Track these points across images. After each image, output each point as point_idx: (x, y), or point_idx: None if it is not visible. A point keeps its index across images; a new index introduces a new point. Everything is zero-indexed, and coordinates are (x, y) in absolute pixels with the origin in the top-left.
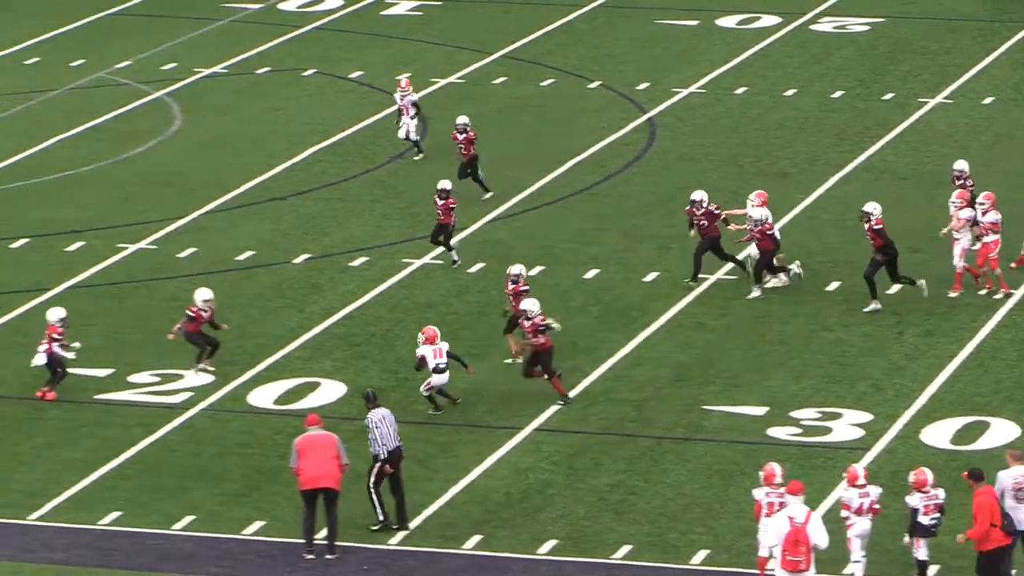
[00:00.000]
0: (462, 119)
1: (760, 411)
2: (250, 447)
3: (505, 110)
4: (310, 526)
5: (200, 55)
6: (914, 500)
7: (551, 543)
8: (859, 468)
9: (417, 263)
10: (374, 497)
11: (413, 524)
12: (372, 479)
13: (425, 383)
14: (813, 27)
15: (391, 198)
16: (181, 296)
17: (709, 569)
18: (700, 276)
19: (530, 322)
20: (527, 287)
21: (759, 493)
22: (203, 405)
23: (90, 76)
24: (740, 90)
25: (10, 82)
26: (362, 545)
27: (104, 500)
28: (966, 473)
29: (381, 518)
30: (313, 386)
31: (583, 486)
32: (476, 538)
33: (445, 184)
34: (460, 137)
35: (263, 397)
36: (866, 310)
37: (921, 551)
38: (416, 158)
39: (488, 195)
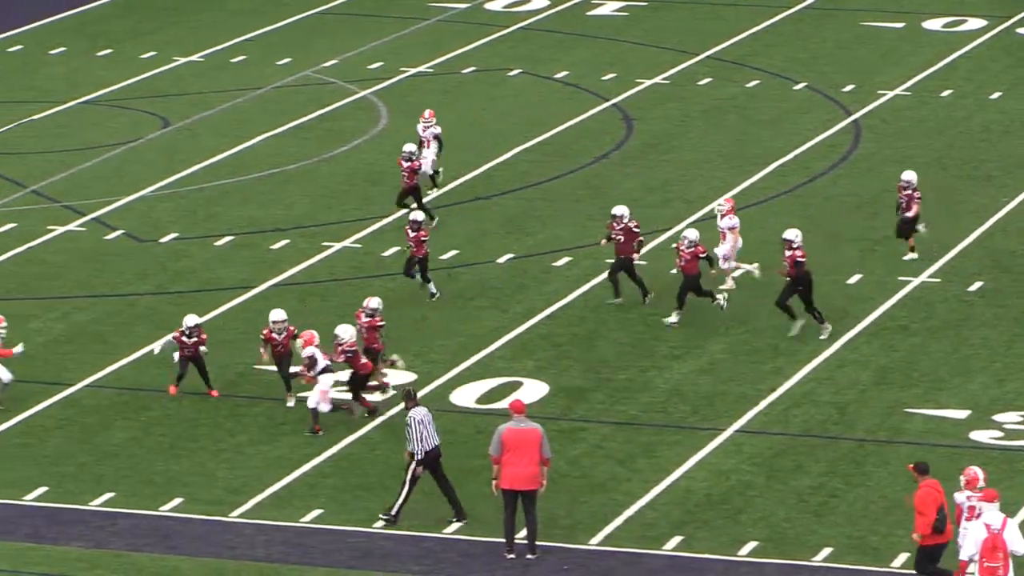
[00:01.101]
0: (409, 147)
1: (962, 414)
2: (451, 446)
3: (710, 111)
4: (511, 525)
5: (406, 54)
6: (960, 497)
7: (751, 544)
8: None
9: None
10: (404, 492)
11: (614, 524)
12: (409, 475)
13: (319, 391)
14: (1019, 30)
15: (595, 198)
16: (385, 295)
17: (910, 572)
18: (649, 296)
19: (339, 347)
20: (382, 323)
21: (960, 497)
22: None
23: (296, 75)
24: (945, 93)
25: (217, 80)
26: (562, 545)
27: (305, 497)
28: (911, 465)
29: (394, 513)
30: (515, 386)
31: (784, 488)
32: (676, 539)
33: (417, 216)
34: (405, 165)
35: (465, 396)
36: (790, 334)
37: None
38: (432, 192)
39: (435, 222)
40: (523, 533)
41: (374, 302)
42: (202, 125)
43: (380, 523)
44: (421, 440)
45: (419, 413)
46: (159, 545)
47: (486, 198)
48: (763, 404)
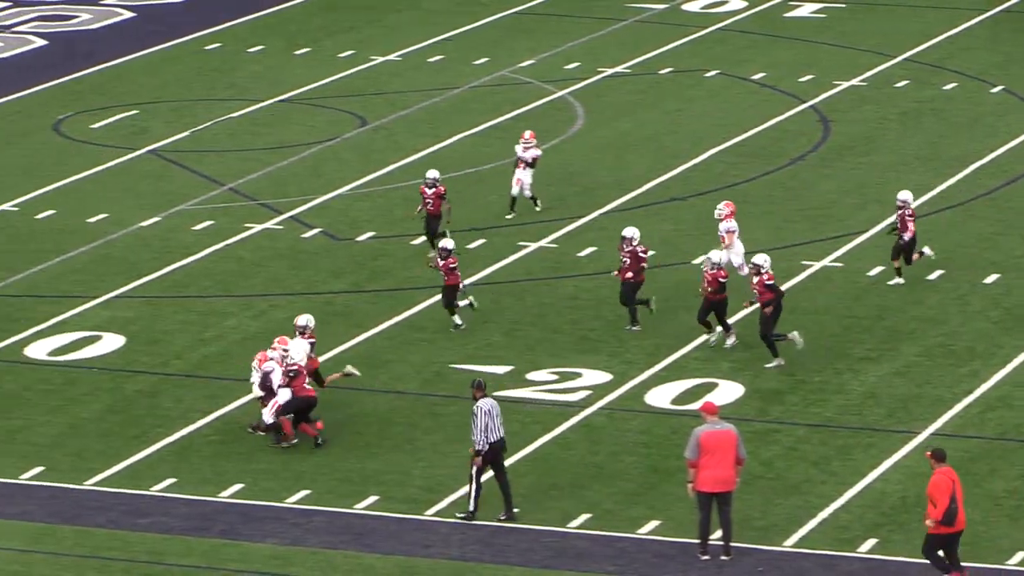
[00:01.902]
0: (432, 173)
1: None
2: (647, 446)
3: (907, 113)
4: (706, 526)
5: (603, 55)
6: None
7: None
8: None
9: (816, 265)
10: (474, 489)
11: (808, 526)
12: (475, 469)
13: (272, 404)
14: None
15: (791, 200)
16: (580, 295)
17: None
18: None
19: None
20: (313, 339)
21: None
22: (600, 404)
23: (493, 75)
24: None
25: (414, 80)
26: (756, 547)
27: (500, 497)
28: (929, 453)
29: (471, 509)
30: (711, 387)
31: (978, 491)
32: (871, 542)
33: (448, 244)
34: (428, 192)
35: (661, 397)
36: (768, 366)
37: None
38: (537, 209)
39: (431, 254)
40: (718, 534)
41: (303, 320)
42: (399, 124)
43: (496, 520)
44: (485, 431)
45: (486, 404)
46: (354, 543)
47: (682, 199)
48: (958, 407)
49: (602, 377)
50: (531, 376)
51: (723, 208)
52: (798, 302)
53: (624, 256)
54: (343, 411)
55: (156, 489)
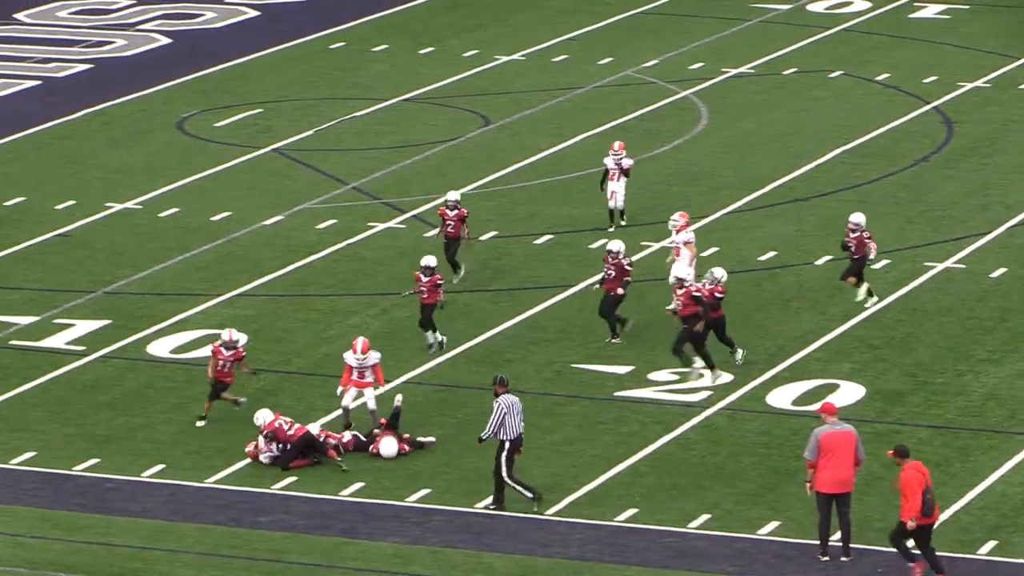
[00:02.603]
0: (453, 195)
1: None
2: (767, 447)
3: None
4: (826, 527)
5: (728, 55)
6: None
7: None
8: None
9: (939, 267)
10: (515, 485)
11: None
12: (505, 469)
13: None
14: None
15: (914, 201)
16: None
17: None
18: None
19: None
20: (244, 354)
21: None
22: (721, 404)
23: (617, 74)
24: None
25: (538, 80)
26: (876, 548)
27: (620, 497)
28: (892, 452)
29: (531, 496)
30: (832, 388)
31: None
32: (991, 543)
33: (429, 261)
34: (451, 214)
35: (782, 397)
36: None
37: None
38: (622, 223)
39: (458, 277)
40: (837, 535)
41: (227, 335)
42: (522, 124)
43: (697, 522)
44: (503, 426)
45: (507, 401)
46: (473, 542)
47: (805, 200)
48: None
49: (723, 378)
50: (652, 376)
51: (678, 219)
52: (921, 303)
53: (609, 269)
54: (463, 410)
55: (276, 487)
